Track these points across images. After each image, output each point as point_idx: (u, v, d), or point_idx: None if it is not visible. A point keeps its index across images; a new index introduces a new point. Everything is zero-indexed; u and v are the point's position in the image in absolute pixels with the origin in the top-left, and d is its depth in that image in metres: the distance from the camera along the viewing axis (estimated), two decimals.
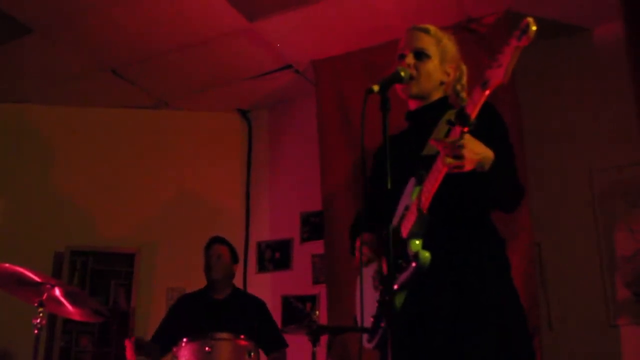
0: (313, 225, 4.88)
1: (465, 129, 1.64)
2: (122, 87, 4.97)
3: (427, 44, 2.09)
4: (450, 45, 2.13)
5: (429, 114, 2.09)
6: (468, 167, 1.72)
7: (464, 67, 2.19)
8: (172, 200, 5.16)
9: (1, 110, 5.10)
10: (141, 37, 4.34)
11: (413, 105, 2.15)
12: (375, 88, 1.78)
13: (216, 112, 5.40)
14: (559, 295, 3.92)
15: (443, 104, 2.11)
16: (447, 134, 1.94)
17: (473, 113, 1.62)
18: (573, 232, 3.98)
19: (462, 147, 1.68)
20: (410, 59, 2.06)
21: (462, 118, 1.63)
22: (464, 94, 2.16)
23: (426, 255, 1.77)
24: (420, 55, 2.07)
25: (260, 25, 4.26)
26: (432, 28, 2.13)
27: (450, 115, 2.02)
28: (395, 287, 1.82)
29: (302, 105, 5.13)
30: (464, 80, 2.18)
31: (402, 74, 1.92)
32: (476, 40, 4.06)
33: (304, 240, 4.93)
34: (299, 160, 5.09)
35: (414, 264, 1.78)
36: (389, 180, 1.71)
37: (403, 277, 1.82)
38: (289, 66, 4.78)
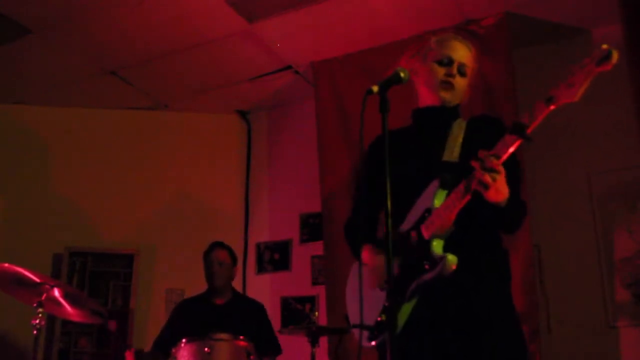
0: (312, 226, 4.88)
1: (519, 142, 1.66)
2: (122, 88, 4.98)
3: (469, 62, 2.14)
4: (476, 71, 2.19)
5: (441, 118, 2.11)
6: (492, 195, 1.75)
7: None
8: (171, 202, 5.16)
9: (0, 111, 5.11)
10: (141, 38, 4.35)
11: (424, 103, 2.17)
12: (375, 89, 1.78)
13: (215, 114, 5.41)
14: (558, 296, 3.92)
15: (455, 111, 2.14)
16: (463, 141, 1.96)
17: (532, 126, 1.64)
18: (572, 234, 3.99)
19: (499, 173, 1.71)
20: (454, 70, 2.10)
21: (518, 130, 1.64)
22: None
23: (453, 259, 1.79)
24: (463, 71, 2.12)
25: (259, 27, 4.26)
26: (473, 48, 2.18)
27: (460, 124, 2.05)
28: (413, 286, 1.83)
29: (301, 107, 5.14)
30: None
31: (402, 75, 1.92)
32: (475, 42, 4.05)
33: (303, 241, 4.93)
34: (298, 162, 5.10)
35: (440, 267, 1.79)
36: (389, 181, 1.71)
37: (426, 277, 1.83)
38: (289, 67, 4.78)
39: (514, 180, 1.88)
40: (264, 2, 4.01)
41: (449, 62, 2.11)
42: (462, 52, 2.14)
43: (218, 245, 3.93)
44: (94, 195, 5.04)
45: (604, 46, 1.46)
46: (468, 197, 1.78)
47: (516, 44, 4.06)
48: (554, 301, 3.92)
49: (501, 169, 1.71)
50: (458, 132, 2.04)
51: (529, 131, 1.65)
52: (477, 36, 4.11)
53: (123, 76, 4.84)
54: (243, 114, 5.50)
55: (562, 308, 3.90)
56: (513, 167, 1.93)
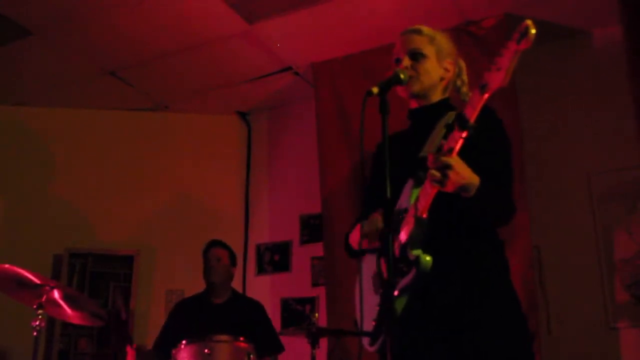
0: (312, 228, 4.88)
1: (464, 134, 1.63)
2: (122, 89, 4.98)
3: (421, 43, 2.09)
4: (444, 41, 2.14)
5: (429, 115, 2.08)
6: (449, 188, 1.73)
7: (462, 63, 2.19)
8: (171, 203, 5.16)
9: (0, 112, 5.11)
10: (141, 39, 4.35)
11: (414, 104, 2.14)
12: (375, 90, 1.78)
13: (216, 115, 5.41)
14: (558, 298, 3.92)
15: (444, 106, 2.11)
16: (445, 137, 1.94)
17: (472, 117, 1.61)
18: (572, 235, 3.99)
19: (449, 167, 1.69)
20: (407, 61, 2.07)
21: (460, 122, 1.62)
22: (464, 89, 2.15)
23: (427, 259, 1.76)
24: (416, 55, 2.08)
25: (259, 28, 4.26)
26: (423, 28, 2.13)
27: (449, 117, 2.02)
28: (396, 293, 1.82)
29: (301, 108, 5.13)
30: (464, 76, 2.18)
31: (402, 76, 1.92)
32: (475, 43, 4.06)
33: (303, 242, 4.93)
34: (299, 163, 5.09)
35: (414, 269, 1.77)
36: (388, 183, 1.71)
37: (404, 281, 1.82)
38: (289, 68, 4.78)
39: (495, 174, 1.86)
40: (264, 3, 4.01)
41: (398, 60, 2.10)
42: (409, 43, 2.09)
43: (215, 243, 3.96)
44: (94, 196, 5.04)
45: (526, 22, 1.42)
46: (432, 194, 1.76)
47: None
48: (554, 301, 3.92)
49: (452, 162, 1.69)
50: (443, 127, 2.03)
51: (472, 121, 1.63)
52: (477, 37, 4.11)
53: (123, 77, 4.84)
54: (243, 115, 5.50)
55: (562, 308, 3.89)
56: (498, 157, 1.91)
